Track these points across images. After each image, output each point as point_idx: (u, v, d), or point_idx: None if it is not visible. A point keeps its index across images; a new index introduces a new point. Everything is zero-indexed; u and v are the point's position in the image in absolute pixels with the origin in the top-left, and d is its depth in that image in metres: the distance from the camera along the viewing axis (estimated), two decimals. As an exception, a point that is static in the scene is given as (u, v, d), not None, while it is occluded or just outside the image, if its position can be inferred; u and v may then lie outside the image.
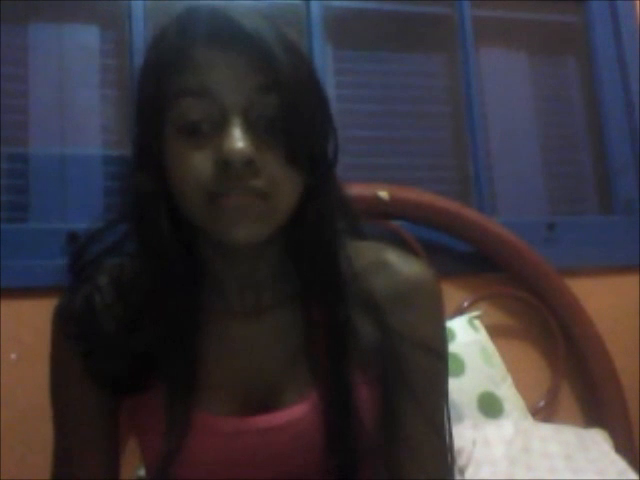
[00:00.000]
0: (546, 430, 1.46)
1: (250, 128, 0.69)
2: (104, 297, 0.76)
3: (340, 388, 0.73)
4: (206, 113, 0.69)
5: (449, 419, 0.79)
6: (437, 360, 0.78)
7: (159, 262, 0.73)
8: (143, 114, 0.74)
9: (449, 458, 0.78)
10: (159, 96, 0.71)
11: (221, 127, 0.69)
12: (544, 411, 1.66)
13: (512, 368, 1.60)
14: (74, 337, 0.76)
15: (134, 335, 0.74)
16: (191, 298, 0.75)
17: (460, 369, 1.50)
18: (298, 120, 0.70)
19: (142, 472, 1.28)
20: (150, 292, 0.74)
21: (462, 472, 1.30)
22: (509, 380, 1.58)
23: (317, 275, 0.75)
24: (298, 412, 0.73)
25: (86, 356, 0.75)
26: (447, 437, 0.78)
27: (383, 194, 1.56)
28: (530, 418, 1.56)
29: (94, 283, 0.77)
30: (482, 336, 1.59)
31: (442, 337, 0.81)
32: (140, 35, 1.63)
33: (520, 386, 1.60)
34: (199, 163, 0.69)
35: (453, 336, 1.53)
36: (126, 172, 0.75)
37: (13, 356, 1.38)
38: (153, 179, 0.72)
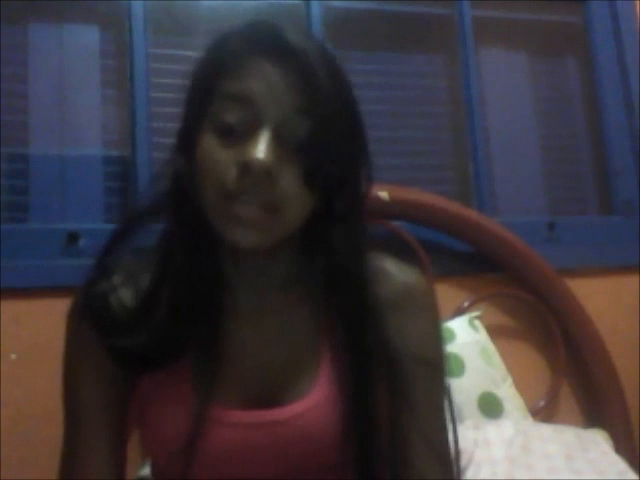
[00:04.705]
0: (546, 430, 1.46)
1: (278, 142, 0.72)
2: (120, 291, 0.79)
3: (360, 384, 0.76)
4: (242, 118, 0.73)
5: (454, 423, 0.81)
6: (433, 367, 0.81)
7: (194, 237, 0.76)
8: (190, 106, 0.78)
9: (452, 470, 0.79)
10: (206, 92, 0.75)
11: (252, 134, 0.72)
12: (544, 411, 1.66)
13: (512, 368, 1.60)
14: (95, 322, 0.78)
15: (154, 312, 0.77)
16: (217, 273, 0.79)
17: (460, 369, 1.50)
18: (325, 147, 0.73)
19: (143, 472, 1.28)
20: (176, 267, 0.77)
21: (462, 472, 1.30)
22: (509, 380, 1.58)
23: (344, 294, 0.78)
24: (303, 406, 0.76)
25: (107, 337, 0.77)
26: (450, 448, 0.80)
27: (383, 194, 1.56)
28: (530, 418, 1.56)
29: (110, 279, 0.80)
30: (482, 336, 1.59)
31: (437, 345, 0.83)
32: (140, 35, 1.64)
33: (520, 386, 1.60)
34: (223, 160, 0.73)
35: (453, 336, 1.53)
36: (166, 157, 0.80)
37: (13, 356, 1.38)
38: (189, 164, 0.76)
